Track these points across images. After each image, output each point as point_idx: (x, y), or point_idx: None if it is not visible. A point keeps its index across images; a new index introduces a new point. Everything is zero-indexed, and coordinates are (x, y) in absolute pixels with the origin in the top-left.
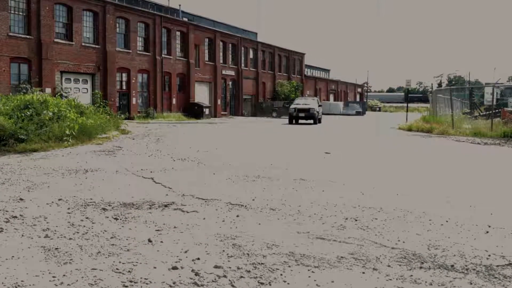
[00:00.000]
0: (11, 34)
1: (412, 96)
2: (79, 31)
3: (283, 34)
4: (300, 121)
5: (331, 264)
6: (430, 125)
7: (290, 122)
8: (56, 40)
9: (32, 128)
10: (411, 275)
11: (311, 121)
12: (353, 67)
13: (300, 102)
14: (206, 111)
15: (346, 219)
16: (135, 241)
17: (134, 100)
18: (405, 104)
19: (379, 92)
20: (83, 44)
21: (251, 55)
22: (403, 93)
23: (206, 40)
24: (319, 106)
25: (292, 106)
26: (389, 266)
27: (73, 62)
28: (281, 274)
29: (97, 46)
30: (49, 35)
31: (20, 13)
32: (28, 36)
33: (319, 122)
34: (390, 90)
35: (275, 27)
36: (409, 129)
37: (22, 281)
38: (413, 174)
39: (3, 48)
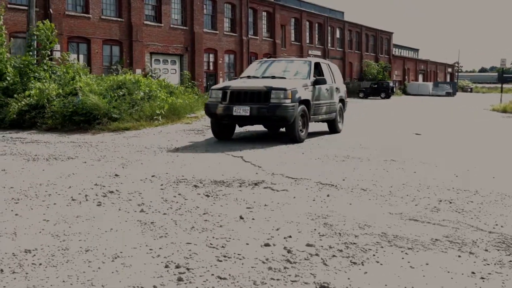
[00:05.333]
0: (103, 17)
1: (507, 76)
2: (167, 13)
3: (370, 13)
4: (240, 128)
5: (425, 246)
6: None
7: (216, 135)
8: (145, 22)
9: (124, 108)
10: (511, 261)
11: (282, 129)
12: (443, 46)
13: (254, 73)
14: None
15: (440, 201)
16: (227, 217)
17: (221, 81)
18: (499, 85)
19: (470, 72)
20: (171, 25)
21: (337, 35)
22: (496, 73)
23: (292, 20)
24: (320, 80)
25: (219, 85)
26: (486, 250)
27: (162, 44)
28: (374, 255)
29: (185, 28)
30: (139, 18)
31: None
32: (119, 19)
33: (337, 130)
34: (483, 70)
35: (362, 6)
36: (504, 111)
37: (121, 252)
38: (510, 157)
39: (96, 30)
